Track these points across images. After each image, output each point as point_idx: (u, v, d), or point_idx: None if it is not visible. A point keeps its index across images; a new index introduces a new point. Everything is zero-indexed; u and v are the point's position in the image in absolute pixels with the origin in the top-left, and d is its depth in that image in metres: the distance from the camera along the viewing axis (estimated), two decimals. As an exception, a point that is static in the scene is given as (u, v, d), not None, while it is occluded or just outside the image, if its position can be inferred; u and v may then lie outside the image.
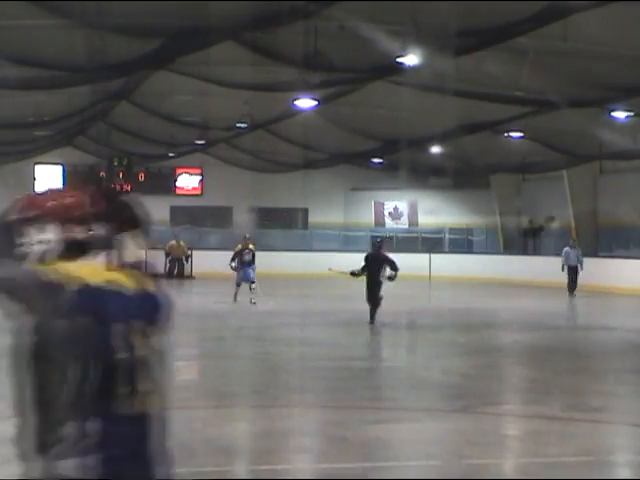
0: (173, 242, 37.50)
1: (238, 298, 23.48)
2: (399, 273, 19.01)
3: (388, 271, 19.01)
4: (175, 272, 37.33)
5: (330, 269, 22.14)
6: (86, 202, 2.57)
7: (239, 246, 24.45)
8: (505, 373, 13.47)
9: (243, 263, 23.88)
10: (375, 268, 19.06)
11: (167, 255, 37.26)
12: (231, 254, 24.69)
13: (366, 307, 18.84)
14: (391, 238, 41.63)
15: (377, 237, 19.82)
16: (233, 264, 24.06)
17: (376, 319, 18.80)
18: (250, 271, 23.77)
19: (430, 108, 27.76)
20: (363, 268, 19.31)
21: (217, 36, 18.81)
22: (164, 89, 28.90)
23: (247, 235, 25.16)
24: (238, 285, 23.82)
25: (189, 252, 37.50)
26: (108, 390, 2.43)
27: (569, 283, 29.74)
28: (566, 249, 30.26)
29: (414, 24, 18.17)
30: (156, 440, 2.51)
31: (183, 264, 37.54)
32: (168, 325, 2.53)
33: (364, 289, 19.26)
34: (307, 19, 18.63)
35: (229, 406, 10.12)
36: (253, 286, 23.50)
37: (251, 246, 24.28)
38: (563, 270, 29.75)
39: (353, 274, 19.50)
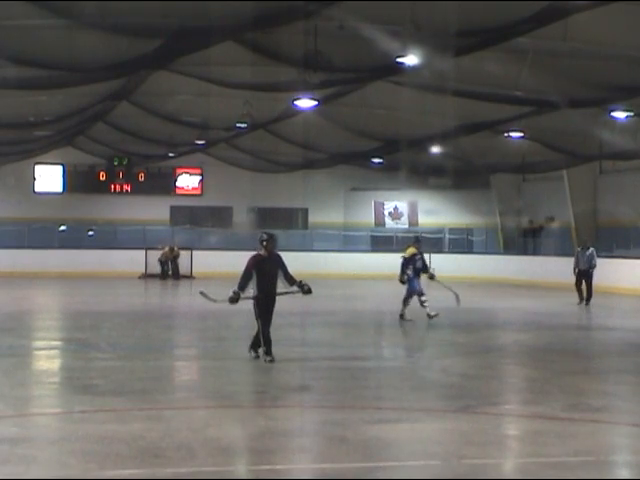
0: (166, 249, 37.85)
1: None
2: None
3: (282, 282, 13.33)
4: (169, 272, 37.76)
5: (201, 292, 14.04)
6: None
7: (410, 250, 19.53)
8: (505, 373, 13.46)
9: (416, 271, 19.31)
10: (268, 275, 13.18)
11: (160, 261, 37.79)
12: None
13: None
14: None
15: (264, 233, 13.69)
16: (409, 273, 19.15)
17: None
18: (418, 281, 19.36)
19: (430, 108, 27.80)
20: (245, 279, 13.06)
21: (217, 36, 18.81)
22: (164, 89, 28.92)
23: (419, 234, 21.04)
24: (409, 300, 19.30)
25: (178, 252, 37.95)
26: None
27: (578, 290, 25.61)
28: (577, 250, 26.58)
29: (414, 24, 18.17)
30: None
31: (177, 264, 37.97)
32: None
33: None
34: (307, 19, 18.64)
35: (229, 406, 10.11)
36: (423, 298, 19.17)
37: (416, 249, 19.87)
38: (575, 274, 25.68)
39: (233, 300, 13.06)
